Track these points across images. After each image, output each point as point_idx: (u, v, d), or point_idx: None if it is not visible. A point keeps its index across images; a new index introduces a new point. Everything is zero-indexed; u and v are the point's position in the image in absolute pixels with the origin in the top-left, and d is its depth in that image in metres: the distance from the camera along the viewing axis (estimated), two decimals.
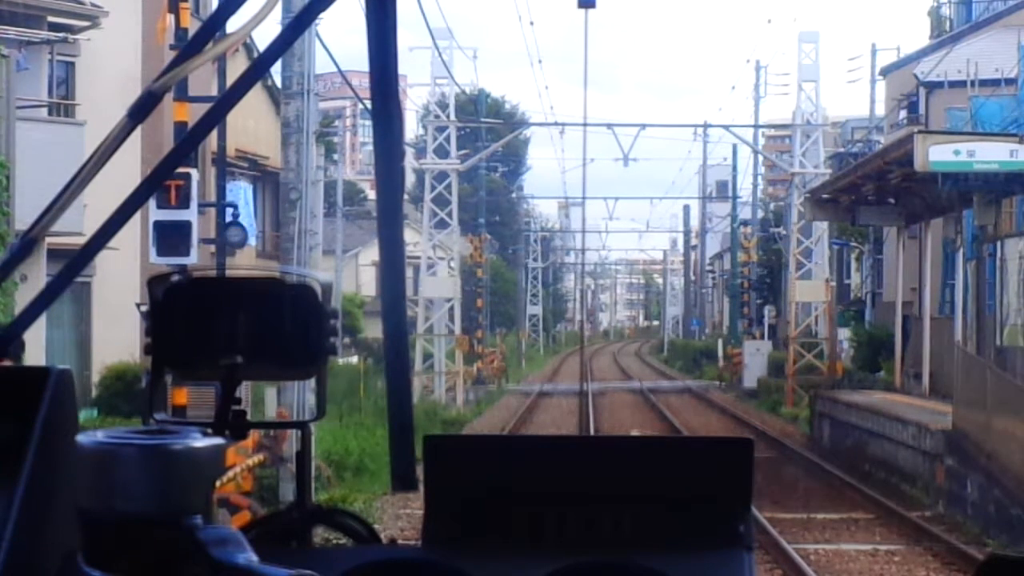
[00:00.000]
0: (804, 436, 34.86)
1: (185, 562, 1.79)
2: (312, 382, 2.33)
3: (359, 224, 59.83)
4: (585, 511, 2.33)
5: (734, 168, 67.31)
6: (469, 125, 51.81)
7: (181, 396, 15.90)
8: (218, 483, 1.91)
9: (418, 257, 44.71)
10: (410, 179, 54.50)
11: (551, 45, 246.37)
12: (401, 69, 3.56)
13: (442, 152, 44.08)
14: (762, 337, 55.70)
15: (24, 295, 18.57)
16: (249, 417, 2.35)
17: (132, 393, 23.09)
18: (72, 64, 26.68)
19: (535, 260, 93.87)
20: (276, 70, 21.42)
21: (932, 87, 42.23)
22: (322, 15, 11.78)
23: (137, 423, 5.46)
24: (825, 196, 35.38)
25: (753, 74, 63.81)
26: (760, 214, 64.57)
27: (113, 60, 26.27)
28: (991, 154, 24.84)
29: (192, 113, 17.62)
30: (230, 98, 2.13)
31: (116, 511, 1.79)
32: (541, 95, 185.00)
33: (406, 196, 5.14)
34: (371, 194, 70.98)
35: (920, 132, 27.21)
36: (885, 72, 51.75)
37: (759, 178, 68.00)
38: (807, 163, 45.09)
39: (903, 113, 46.98)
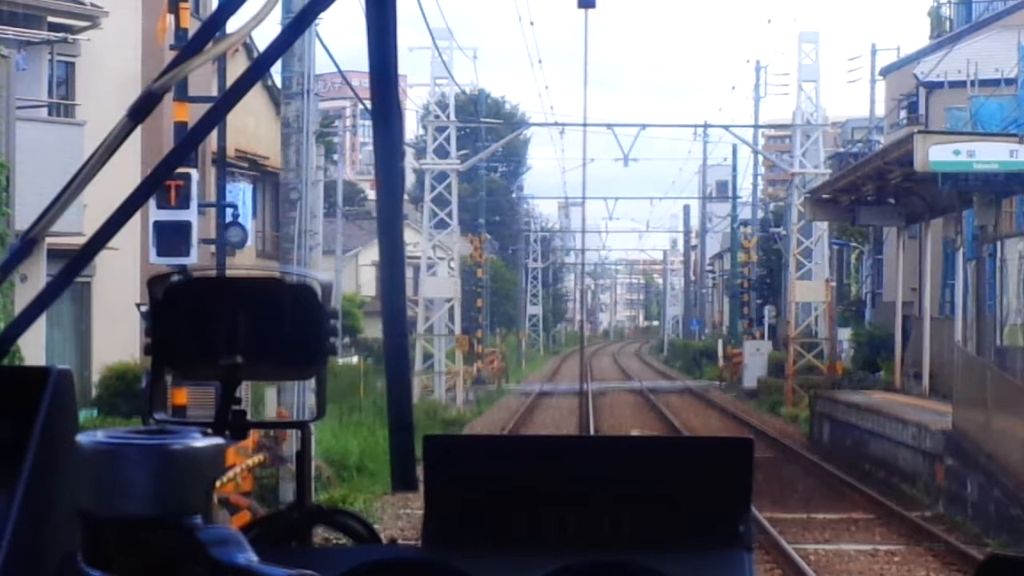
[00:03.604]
0: (804, 436, 34.85)
1: (185, 562, 1.79)
2: (312, 382, 2.32)
3: (359, 224, 59.84)
4: (585, 511, 2.33)
5: (734, 168, 67.33)
6: (469, 125, 51.82)
7: (181, 396, 15.90)
8: (218, 483, 1.91)
9: (418, 257, 44.71)
10: (410, 179, 54.50)
11: (551, 45, 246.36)
12: (401, 69, 3.56)
13: (442, 152, 44.08)
14: (762, 337, 55.69)
15: (24, 295, 18.57)
16: (249, 417, 2.35)
17: (132, 393, 23.08)
18: (72, 64, 26.67)
19: (535, 260, 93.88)
20: (276, 70, 21.44)
21: (932, 87, 42.24)
22: (322, 15, 11.79)
23: (137, 423, 5.46)
24: (825, 196, 35.38)
25: (753, 74, 63.82)
26: (760, 214, 64.56)
27: (113, 60, 26.26)
28: (991, 154, 24.84)
29: (192, 113, 17.62)
30: (230, 98, 2.13)
31: (116, 511, 1.79)
32: (541, 95, 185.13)
33: (406, 196, 5.15)
34: (371, 194, 70.99)
35: (920, 132, 27.21)
36: (885, 72, 51.75)
37: (759, 178, 67.99)
38: (807, 163, 45.09)
39: (903, 113, 47.00)
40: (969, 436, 22.03)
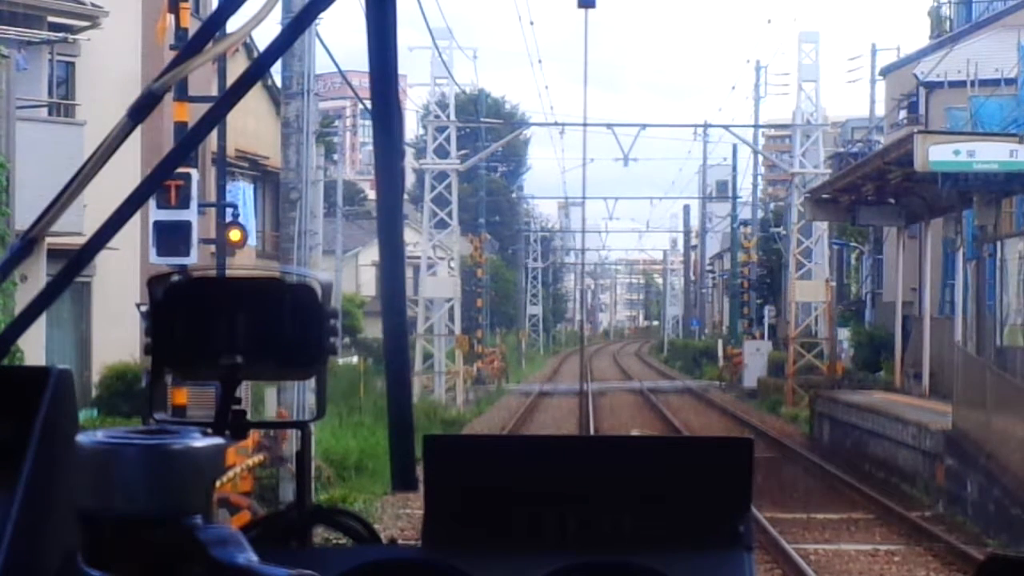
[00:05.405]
0: (804, 436, 34.86)
1: (185, 562, 1.79)
2: (312, 382, 2.32)
3: (359, 224, 59.87)
4: (585, 511, 2.33)
5: (734, 168, 67.35)
6: (469, 125, 51.81)
7: (181, 396, 15.89)
8: (218, 483, 1.91)
9: (418, 257, 44.70)
10: (410, 179, 54.51)
11: (551, 45, 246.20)
12: (401, 69, 3.56)
13: (442, 152, 44.08)
14: (762, 337, 55.70)
15: (24, 295, 18.57)
16: (249, 417, 2.35)
17: (132, 393, 23.08)
18: (72, 64, 26.66)
19: (535, 260, 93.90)
20: (276, 70, 21.43)
21: (932, 87, 42.23)
22: (322, 15, 11.78)
23: (137, 423, 5.45)
24: (825, 196, 35.39)
25: (753, 74, 63.82)
26: (760, 214, 64.56)
27: (113, 60, 26.26)
28: (991, 154, 24.85)
29: (192, 113, 17.61)
30: (230, 98, 2.13)
31: (116, 511, 1.79)
32: (541, 95, 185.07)
33: (406, 196, 5.14)
34: (371, 194, 71.00)
35: (920, 132, 27.22)
36: (885, 72, 51.74)
37: (759, 178, 67.98)
38: (807, 163, 45.10)
39: (903, 113, 46.98)
40: (969, 436, 22.03)
